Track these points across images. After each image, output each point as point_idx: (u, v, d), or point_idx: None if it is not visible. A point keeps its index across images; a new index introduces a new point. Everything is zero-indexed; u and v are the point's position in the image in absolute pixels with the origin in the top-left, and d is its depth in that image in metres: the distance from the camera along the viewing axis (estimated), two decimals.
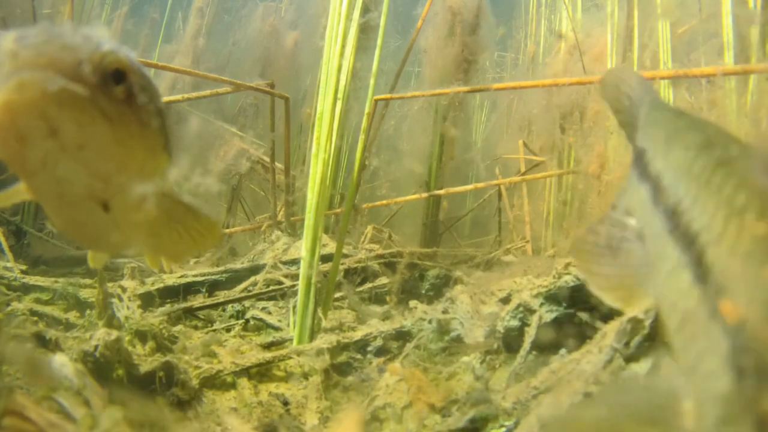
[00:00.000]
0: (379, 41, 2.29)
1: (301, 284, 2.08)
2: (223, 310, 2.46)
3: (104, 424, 1.14)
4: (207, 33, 5.53)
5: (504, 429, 1.42)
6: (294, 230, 3.20)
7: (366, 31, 2.38)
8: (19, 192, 1.09)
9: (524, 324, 1.85)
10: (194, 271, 2.64)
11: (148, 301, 2.31)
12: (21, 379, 1.26)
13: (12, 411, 1.06)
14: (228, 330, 2.28)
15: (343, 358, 1.98)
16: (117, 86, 0.89)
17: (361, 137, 2.33)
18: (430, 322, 2.02)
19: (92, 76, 0.86)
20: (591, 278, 0.77)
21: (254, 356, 1.88)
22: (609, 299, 0.74)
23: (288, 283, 2.54)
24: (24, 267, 2.61)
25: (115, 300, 2.18)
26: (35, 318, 1.92)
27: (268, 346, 2.08)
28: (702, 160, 0.60)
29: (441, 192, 3.70)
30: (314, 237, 2.05)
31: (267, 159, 3.42)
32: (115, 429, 1.13)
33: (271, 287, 2.53)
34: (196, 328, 2.26)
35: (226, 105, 5.01)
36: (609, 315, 1.65)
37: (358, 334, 2.05)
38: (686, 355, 0.53)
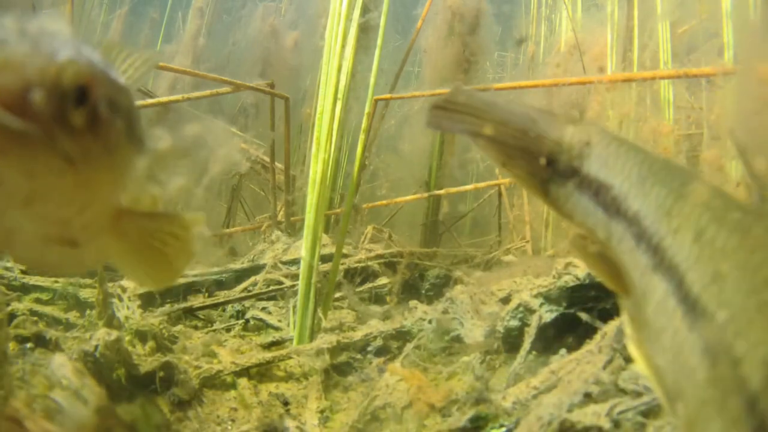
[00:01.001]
0: (379, 41, 2.29)
1: (301, 284, 2.08)
2: (223, 310, 2.46)
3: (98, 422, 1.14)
4: (207, 33, 5.54)
5: (504, 429, 1.42)
6: (294, 230, 3.20)
7: (366, 31, 2.38)
8: None
9: (524, 324, 1.85)
10: (194, 271, 2.64)
11: (148, 301, 2.31)
12: (19, 380, 1.26)
13: (8, 416, 1.05)
14: (228, 330, 2.28)
15: (343, 358, 1.98)
16: (78, 108, 0.66)
17: (361, 137, 2.33)
18: (430, 322, 2.02)
19: (45, 105, 0.63)
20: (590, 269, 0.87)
21: (254, 356, 1.87)
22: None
23: (288, 283, 2.54)
24: (24, 267, 2.61)
25: (115, 300, 2.18)
26: (35, 318, 1.92)
27: (268, 346, 2.08)
28: (680, 202, 0.69)
29: (441, 192, 3.70)
30: (314, 237, 2.05)
31: (267, 159, 3.42)
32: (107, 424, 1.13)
33: (271, 287, 2.53)
34: (196, 328, 2.26)
35: (226, 105, 5.00)
36: (609, 315, 1.66)
37: (358, 334, 2.05)
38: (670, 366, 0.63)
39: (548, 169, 0.89)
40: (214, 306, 2.42)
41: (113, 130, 0.73)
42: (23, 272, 2.52)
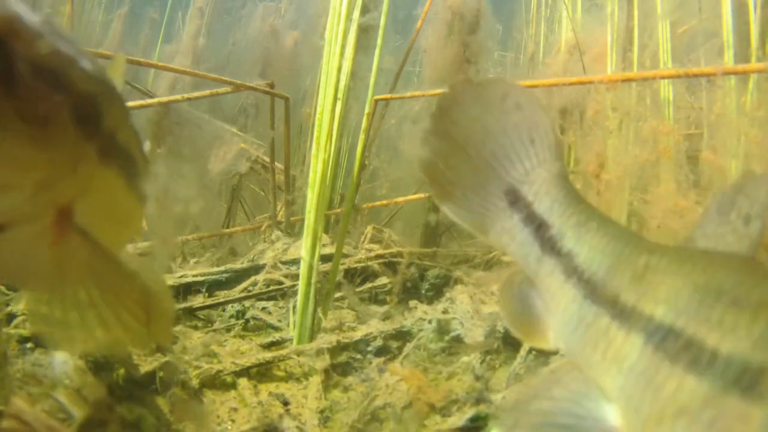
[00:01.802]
0: (379, 41, 2.29)
1: (301, 284, 2.08)
2: (223, 310, 2.46)
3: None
4: (207, 33, 5.53)
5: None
6: (294, 230, 3.20)
7: (366, 31, 2.38)
8: None
9: None
10: (194, 271, 2.64)
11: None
12: (20, 379, 1.26)
13: (10, 414, 1.05)
14: (228, 330, 2.28)
15: (343, 358, 1.98)
16: None
17: (361, 137, 2.33)
18: (430, 322, 2.02)
19: None
20: (503, 313, 0.97)
21: (254, 356, 1.88)
22: (515, 333, 0.95)
23: (288, 283, 2.54)
24: None
25: None
26: None
27: (268, 346, 2.08)
28: (610, 244, 0.83)
29: None
30: (314, 237, 2.05)
31: (267, 159, 3.42)
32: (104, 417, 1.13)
33: (271, 287, 2.53)
34: (196, 328, 2.26)
35: (226, 105, 5.00)
36: None
37: (358, 334, 2.05)
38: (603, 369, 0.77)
39: (505, 197, 0.96)
40: (214, 306, 2.42)
41: (45, 102, 0.63)
42: None
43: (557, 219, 0.90)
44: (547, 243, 0.90)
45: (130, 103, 2.70)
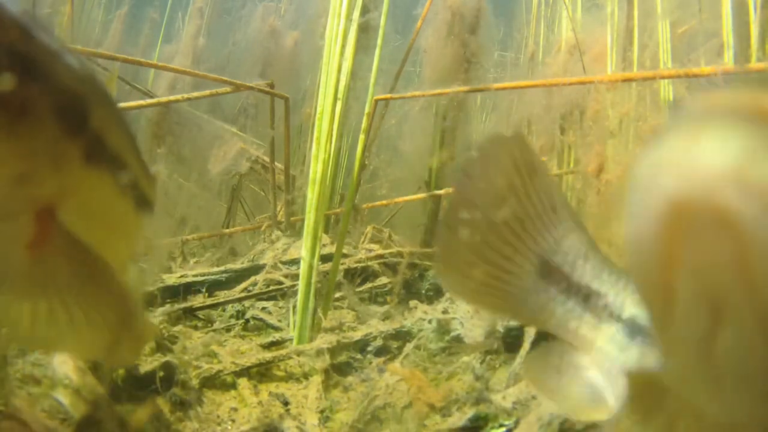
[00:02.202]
0: (379, 41, 2.29)
1: (301, 284, 2.08)
2: (223, 310, 2.46)
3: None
4: (207, 33, 5.53)
5: (504, 429, 1.42)
6: (294, 230, 3.20)
7: (366, 31, 2.38)
8: None
9: None
10: (194, 271, 2.64)
11: (148, 301, 2.31)
12: (20, 379, 1.26)
13: (9, 415, 1.05)
14: (228, 330, 2.28)
15: (343, 358, 1.98)
16: None
17: (361, 137, 2.33)
18: (430, 322, 2.02)
19: None
20: (543, 390, 0.95)
21: (254, 356, 1.88)
22: (562, 408, 0.97)
23: (288, 283, 2.54)
24: None
25: None
26: None
27: (268, 346, 2.08)
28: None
29: (441, 192, 3.70)
30: (314, 237, 2.05)
31: (267, 159, 3.42)
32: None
33: (271, 287, 2.53)
34: (196, 328, 2.26)
35: (226, 105, 5.00)
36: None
37: (358, 334, 2.05)
38: None
39: (535, 271, 0.91)
40: (214, 306, 2.42)
41: (20, 90, 0.60)
42: None
43: (610, 288, 0.88)
44: (604, 311, 0.88)
45: (130, 103, 2.70)
